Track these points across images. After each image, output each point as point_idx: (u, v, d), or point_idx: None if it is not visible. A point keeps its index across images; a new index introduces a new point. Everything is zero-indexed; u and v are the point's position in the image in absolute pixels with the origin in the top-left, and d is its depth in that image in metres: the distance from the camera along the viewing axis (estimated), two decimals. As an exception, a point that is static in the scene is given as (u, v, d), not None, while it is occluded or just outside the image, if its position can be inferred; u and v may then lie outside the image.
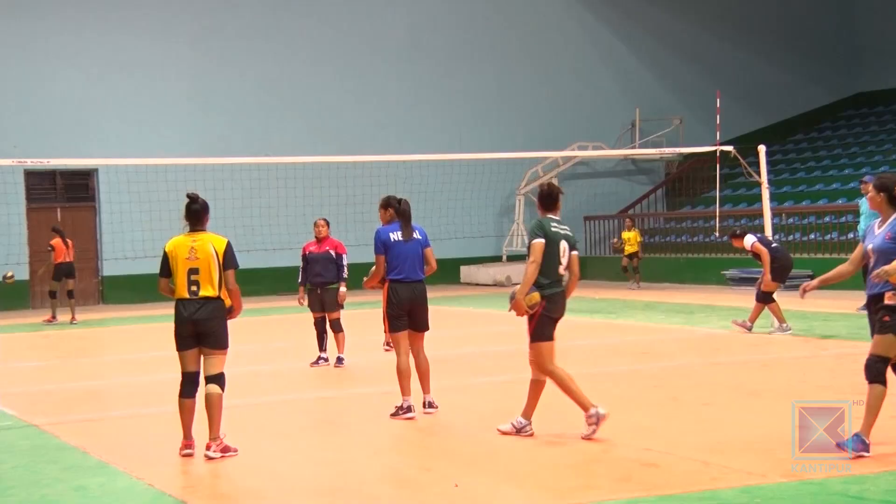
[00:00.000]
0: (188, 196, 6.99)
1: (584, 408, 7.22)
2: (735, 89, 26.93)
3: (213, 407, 6.88)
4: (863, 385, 8.90)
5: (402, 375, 8.04)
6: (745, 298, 17.78)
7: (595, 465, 6.41)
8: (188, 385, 6.95)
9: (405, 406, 8.05)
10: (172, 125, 22.63)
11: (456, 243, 22.75)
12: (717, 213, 16.90)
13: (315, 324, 11.19)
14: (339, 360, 11.02)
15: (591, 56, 27.09)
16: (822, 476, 5.93)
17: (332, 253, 11.10)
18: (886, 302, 6.37)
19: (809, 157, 26.38)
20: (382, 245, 8.09)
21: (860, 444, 6.28)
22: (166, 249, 6.92)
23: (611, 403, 8.50)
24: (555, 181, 25.16)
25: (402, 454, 7.09)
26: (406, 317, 7.99)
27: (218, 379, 6.93)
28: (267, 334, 15.06)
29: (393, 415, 8.08)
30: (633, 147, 25.81)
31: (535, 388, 7.35)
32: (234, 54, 23.45)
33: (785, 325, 12.52)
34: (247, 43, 23.63)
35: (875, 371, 6.41)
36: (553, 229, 7.24)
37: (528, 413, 7.35)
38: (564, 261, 7.28)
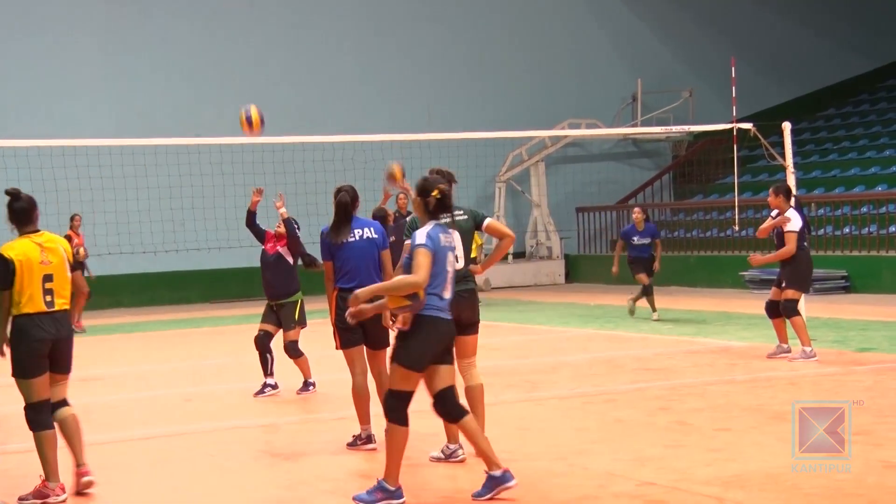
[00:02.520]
0: (8, 193, 6.98)
1: (450, 438, 7.53)
2: (755, 56, 27.13)
3: (76, 430, 7.05)
4: (905, 405, 9.05)
5: (360, 399, 8.06)
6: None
7: (591, 503, 6.46)
8: (45, 414, 6.95)
9: (364, 436, 8.07)
10: (83, 98, 22.50)
11: (425, 240, 22.82)
12: (736, 203, 17.00)
13: (255, 340, 10.61)
14: (307, 386, 10.59)
15: (585, 17, 27.20)
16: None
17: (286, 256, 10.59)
18: (396, 327, 6.48)
19: (843, 136, 26.62)
20: (327, 248, 8.06)
21: (379, 493, 6.42)
22: (11, 256, 6.83)
23: (608, 428, 8.59)
24: (541, 166, 25.39)
25: (362, 491, 7.10)
26: (359, 330, 7.97)
27: (66, 401, 7.12)
28: (200, 350, 15.02)
29: (350, 445, 8.11)
30: (635, 125, 25.94)
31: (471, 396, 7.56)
32: (159, 14, 23.36)
33: (786, 345, 12.26)
34: (172, 1, 23.54)
35: (389, 407, 6.52)
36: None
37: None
38: (457, 252, 7.39)
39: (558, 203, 25.83)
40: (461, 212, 7.56)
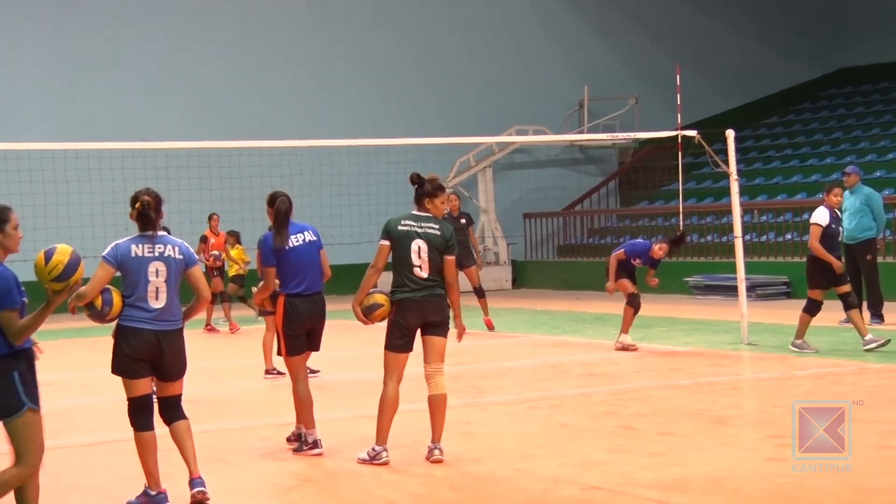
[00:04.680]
0: None
1: (378, 440, 7.63)
2: (699, 64, 27.38)
3: None
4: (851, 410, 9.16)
5: (304, 404, 8.07)
6: (710, 310, 18.11)
7: (535, 508, 6.50)
8: None
9: (311, 440, 8.07)
10: (27, 102, 22.26)
11: (374, 246, 22.79)
12: (681, 210, 17.13)
13: None
14: None
15: (531, 24, 27.32)
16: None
17: None
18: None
19: (785, 144, 26.94)
20: (272, 253, 8.05)
21: (143, 498, 6.68)
22: None
23: (554, 433, 8.63)
24: (489, 172, 25.46)
25: (309, 497, 7.09)
26: (304, 337, 8.03)
27: None
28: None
29: (296, 451, 8.10)
30: (581, 132, 26.08)
31: (432, 405, 7.67)
32: (104, 17, 23.16)
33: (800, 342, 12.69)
34: (118, 4, 23.36)
35: (129, 415, 6.75)
36: (402, 228, 7.57)
37: (434, 436, 7.70)
38: (420, 262, 7.52)
39: (505, 209, 25.91)
40: (436, 226, 7.63)
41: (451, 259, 7.66)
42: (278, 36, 24.69)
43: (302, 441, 8.10)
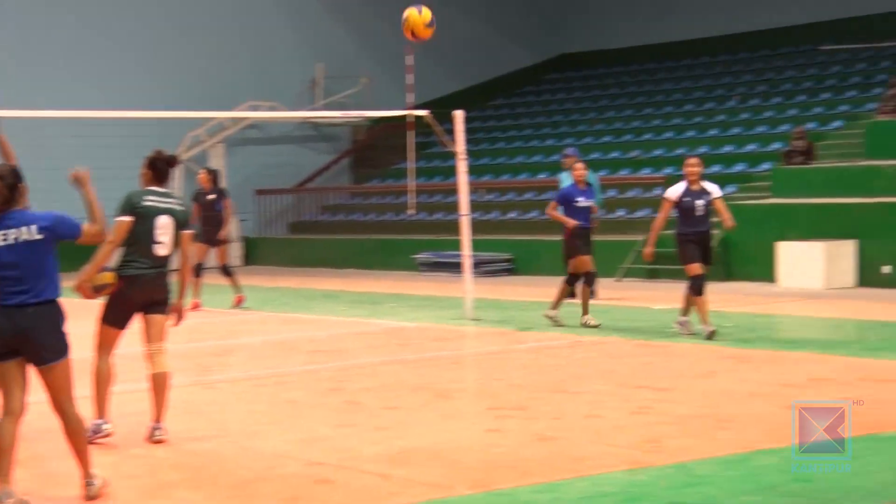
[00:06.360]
0: None
1: (98, 414, 7.37)
2: (430, 46, 27.67)
3: None
4: (563, 381, 9.53)
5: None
6: (437, 286, 18.46)
7: (259, 484, 6.42)
8: None
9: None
10: None
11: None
12: (410, 188, 17.38)
13: None
14: None
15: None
16: (514, 485, 6.27)
17: None
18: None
19: (510, 125, 27.72)
20: None
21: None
22: None
23: (280, 410, 8.58)
24: (221, 147, 25.02)
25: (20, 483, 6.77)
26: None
27: None
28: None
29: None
30: (314, 109, 26.00)
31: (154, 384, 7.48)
32: None
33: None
34: None
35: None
36: (148, 203, 7.41)
37: (156, 416, 7.48)
38: (164, 239, 7.39)
39: (237, 185, 25.48)
40: (178, 202, 7.52)
41: (188, 234, 7.57)
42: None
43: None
